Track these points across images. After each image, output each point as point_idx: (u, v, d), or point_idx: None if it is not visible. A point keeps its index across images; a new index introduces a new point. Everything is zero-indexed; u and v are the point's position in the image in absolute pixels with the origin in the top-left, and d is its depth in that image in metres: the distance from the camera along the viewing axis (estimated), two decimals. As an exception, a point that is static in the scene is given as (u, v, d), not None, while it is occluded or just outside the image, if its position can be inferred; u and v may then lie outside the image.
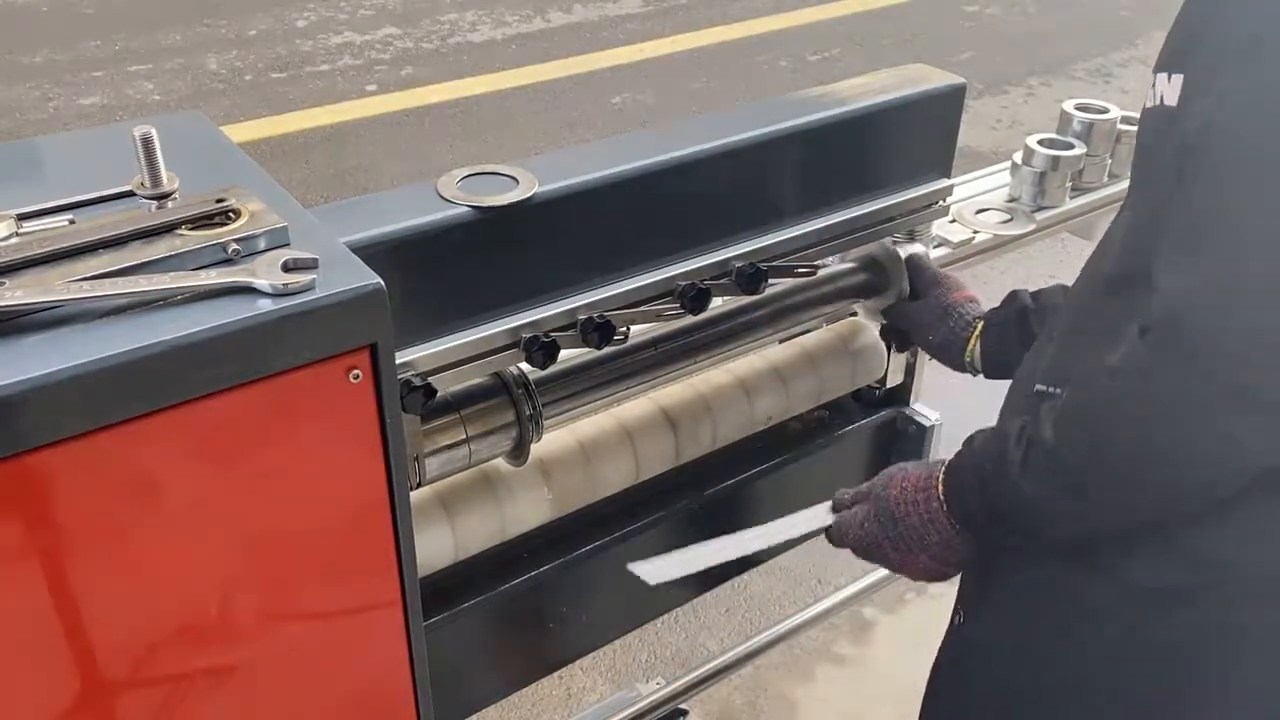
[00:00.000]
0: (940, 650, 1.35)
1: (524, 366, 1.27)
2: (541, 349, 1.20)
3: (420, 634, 1.03)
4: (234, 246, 0.85)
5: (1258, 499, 0.99)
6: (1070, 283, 1.30)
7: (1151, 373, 0.94)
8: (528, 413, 1.27)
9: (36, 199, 0.90)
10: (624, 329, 1.28)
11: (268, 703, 0.98)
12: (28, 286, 0.79)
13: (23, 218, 0.87)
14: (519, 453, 1.31)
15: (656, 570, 1.29)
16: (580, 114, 5.13)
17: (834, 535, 1.28)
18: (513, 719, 2.40)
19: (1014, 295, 1.46)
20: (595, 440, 1.43)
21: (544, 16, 6.21)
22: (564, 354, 1.24)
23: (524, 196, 1.16)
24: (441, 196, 1.15)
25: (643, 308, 1.29)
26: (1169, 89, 1.01)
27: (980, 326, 1.46)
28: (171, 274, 0.82)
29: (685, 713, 1.84)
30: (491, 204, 1.15)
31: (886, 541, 1.20)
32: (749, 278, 1.34)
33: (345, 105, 5.13)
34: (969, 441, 1.17)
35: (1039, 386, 1.16)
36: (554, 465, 1.38)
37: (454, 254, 1.14)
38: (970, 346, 1.46)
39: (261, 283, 0.81)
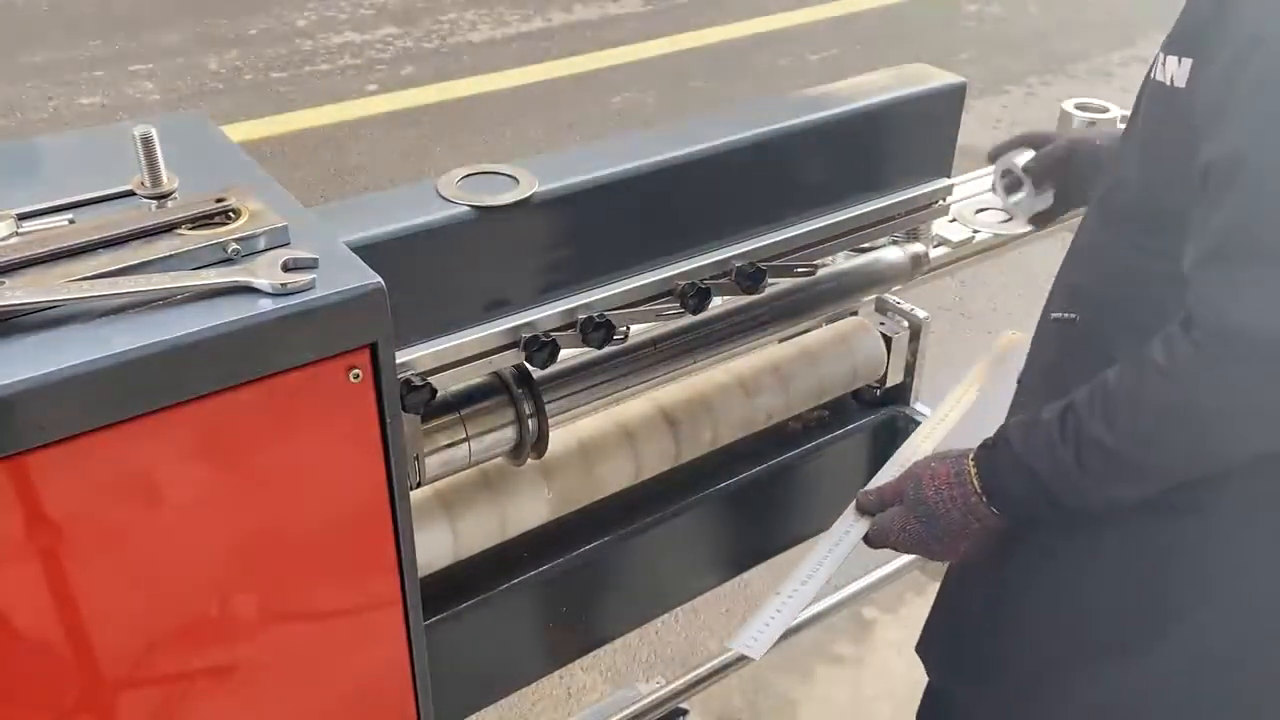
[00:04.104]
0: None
1: (525, 366, 1.27)
2: (541, 349, 1.20)
3: (420, 634, 1.03)
4: (234, 246, 0.85)
5: None
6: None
7: (1202, 378, 1.02)
8: (528, 412, 1.28)
9: (36, 198, 0.90)
10: (624, 329, 1.28)
11: (268, 702, 0.98)
12: (28, 286, 0.79)
13: (23, 217, 0.87)
14: (519, 453, 1.31)
15: (758, 643, 1.31)
16: (580, 114, 5.13)
17: (874, 539, 1.33)
18: (513, 718, 2.40)
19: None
20: (595, 440, 1.43)
21: (544, 16, 6.21)
22: (564, 354, 1.24)
23: (524, 196, 1.16)
24: (441, 196, 1.15)
25: (643, 308, 1.29)
26: (1179, 71, 1.07)
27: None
28: (172, 274, 0.82)
29: (685, 712, 1.84)
30: (491, 204, 1.15)
31: (930, 538, 1.26)
32: (749, 278, 1.34)
33: (345, 105, 5.13)
34: (1002, 437, 1.20)
35: (1054, 314, 1.27)
36: (554, 465, 1.38)
37: (454, 254, 1.14)
38: None
39: (261, 282, 0.81)
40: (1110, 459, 1.09)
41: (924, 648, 1.52)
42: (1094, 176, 1.47)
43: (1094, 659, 1.27)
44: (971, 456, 1.23)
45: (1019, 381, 1.42)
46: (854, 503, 1.38)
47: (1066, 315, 1.25)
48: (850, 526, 1.36)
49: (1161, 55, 1.11)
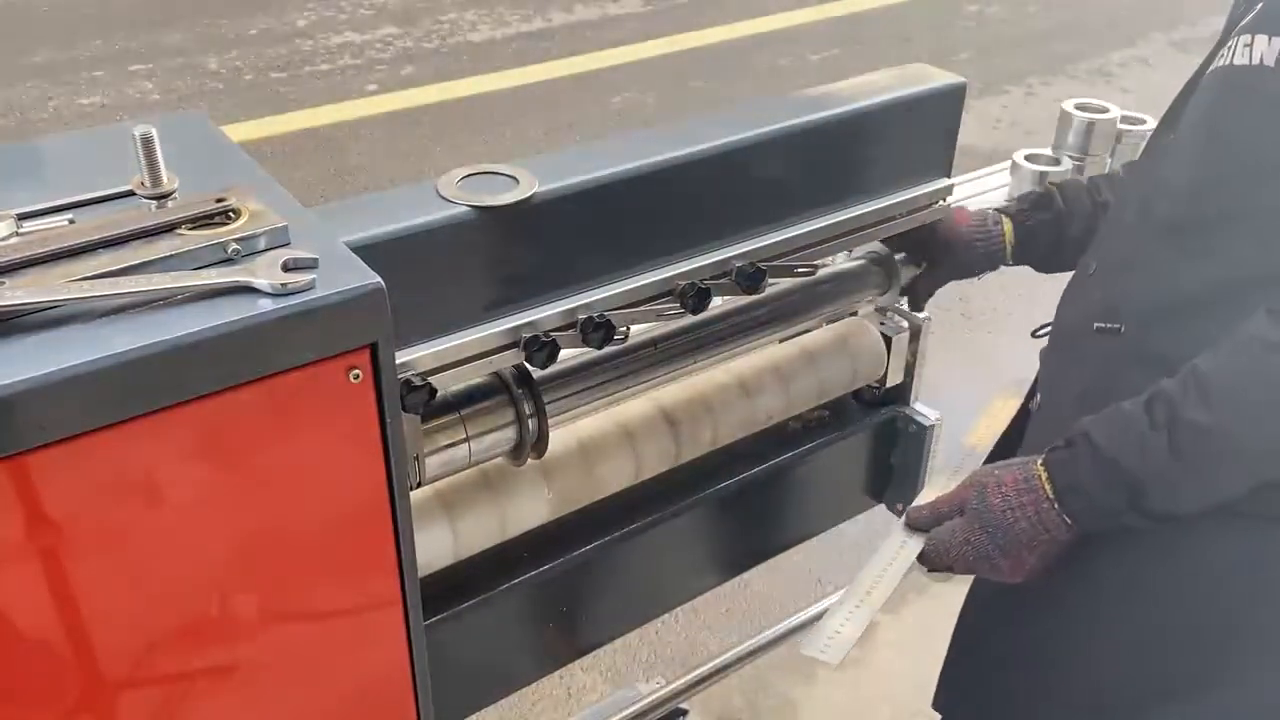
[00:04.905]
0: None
1: (525, 366, 1.27)
2: (541, 349, 1.20)
3: (420, 634, 1.03)
4: (234, 246, 0.85)
5: None
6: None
7: None
8: (528, 412, 1.28)
9: (36, 199, 0.90)
10: (624, 329, 1.28)
11: (268, 702, 0.98)
12: (28, 286, 0.79)
13: (23, 217, 0.87)
14: (519, 452, 1.31)
15: (833, 648, 1.24)
16: (580, 114, 5.13)
17: (931, 556, 1.26)
18: (513, 718, 2.40)
19: (1032, 194, 1.58)
20: (595, 440, 1.43)
21: (544, 16, 6.21)
22: (564, 354, 1.24)
23: (524, 196, 1.16)
24: (441, 196, 1.15)
25: (643, 308, 1.29)
26: (1268, 49, 1.08)
27: (1009, 224, 1.55)
28: (172, 274, 0.82)
29: (685, 712, 1.84)
30: (491, 204, 1.15)
31: (996, 551, 1.19)
32: (749, 278, 1.34)
33: (345, 105, 5.13)
34: (1079, 434, 1.14)
35: (1098, 324, 1.22)
36: (554, 465, 1.38)
37: (454, 254, 1.14)
38: (1007, 236, 1.55)
39: (262, 282, 0.81)
40: (1210, 443, 1.05)
41: (944, 698, 1.46)
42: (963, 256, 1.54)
43: (1154, 697, 1.21)
44: (1040, 461, 1.17)
45: (1036, 409, 1.37)
46: (902, 520, 1.30)
47: (1110, 326, 1.21)
48: (903, 543, 1.28)
49: (1247, 37, 1.10)
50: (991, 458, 1.41)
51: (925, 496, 1.32)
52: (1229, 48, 1.13)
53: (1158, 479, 1.08)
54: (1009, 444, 1.43)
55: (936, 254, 1.57)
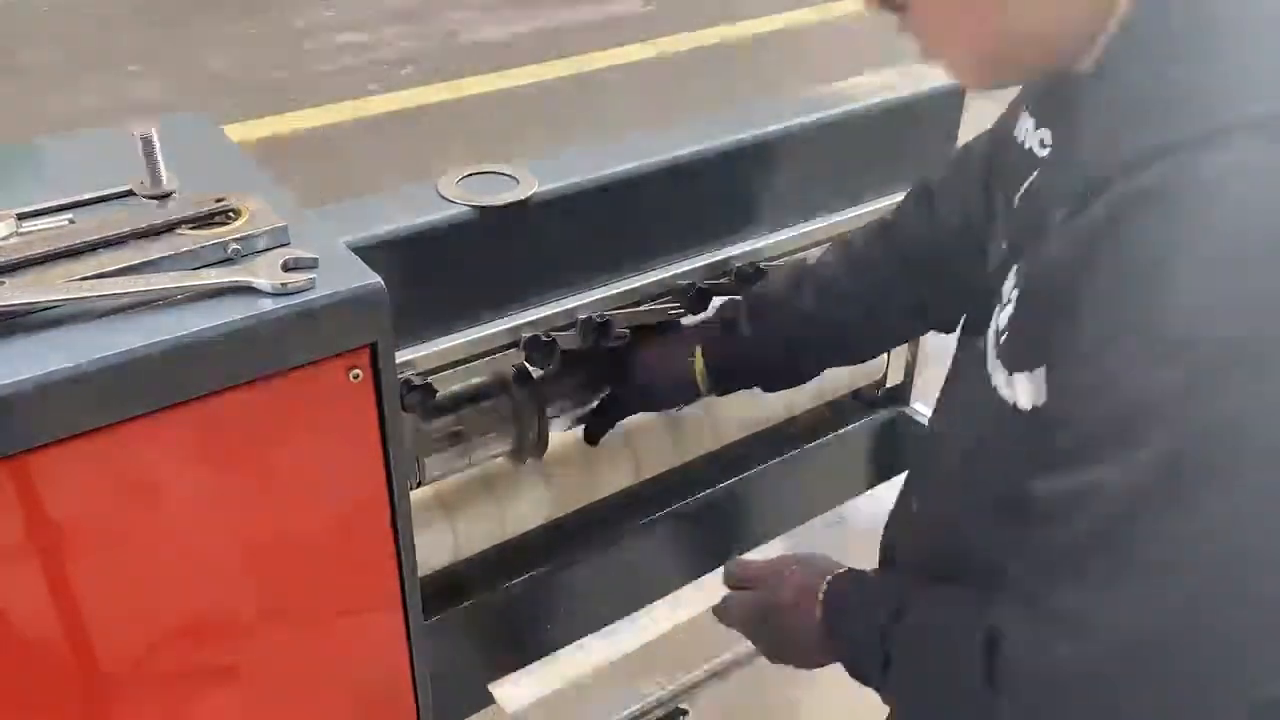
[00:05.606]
0: None
1: (525, 366, 1.27)
2: (541, 349, 1.20)
3: (420, 634, 1.03)
4: (234, 246, 0.85)
5: None
6: None
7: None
8: (528, 412, 1.28)
9: (36, 198, 0.90)
10: (624, 329, 1.28)
11: (267, 703, 0.98)
12: (28, 286, 0.79)
13: (22, 217, 0.87)
14: (519, 453, 1.31)
15: (516, 696, 1.18)
16: (580, 114, 5.13)
17: (720, 615, 1.19)
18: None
19: (723, 315, 1.31)
20: (595, 440, 1.43)
21: (545, 16, 6.21)
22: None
23: (524, 196, 1.16)
24: (442, 196, 1.15)
25: (643, 308, 1.29)
26: (1030, 387, 0.83)
27: (699, 353, 1.28)
28: (172, 274, 0.82)
29: (685, 712, 1.84)
30: (491, 204, 1.15)
31: (772, 644, 1.14)
32: (749, 278, 1.34)
33: (346, 105, 5.13)
34: (846, 585, 1.06)
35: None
36: (554, 465, 1.38)
37: (454, 254, 1.15)
38: (698, 369, 1.29)
39: (261, 282, 0.81)
40: (890, 678, 0.99)
41: None
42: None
43: None
44: (830, 577, 1.07)
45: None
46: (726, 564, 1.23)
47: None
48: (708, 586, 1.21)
49: (1004, 373, 0.86)
50: None
51: (759, 552, 1.28)
52: (989, 357, 0.89)
53: (870, 678, 1.02)
54: None
55: (613, 381, 1.35)
